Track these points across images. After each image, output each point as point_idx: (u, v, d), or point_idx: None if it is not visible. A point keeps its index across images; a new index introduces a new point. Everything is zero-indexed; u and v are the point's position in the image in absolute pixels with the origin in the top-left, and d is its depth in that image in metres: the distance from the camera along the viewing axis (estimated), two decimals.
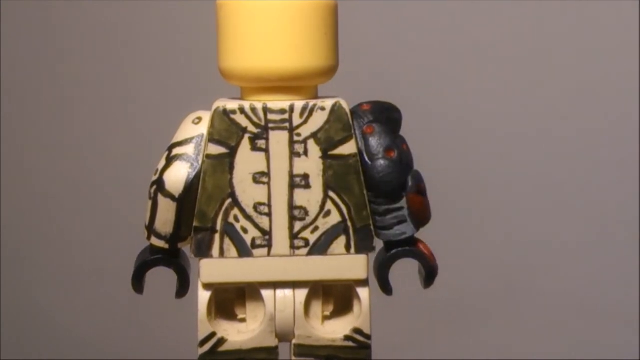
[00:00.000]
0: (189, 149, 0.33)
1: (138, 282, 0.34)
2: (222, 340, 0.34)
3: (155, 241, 0.33)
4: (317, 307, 0.34)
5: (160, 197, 0.33)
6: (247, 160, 0.33)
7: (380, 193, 0.33)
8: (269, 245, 0.33)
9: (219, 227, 0.33)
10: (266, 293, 0.33)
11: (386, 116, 0.33)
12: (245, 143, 0.32)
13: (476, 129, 0.68)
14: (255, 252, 0.33)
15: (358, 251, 0.33)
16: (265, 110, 0.32)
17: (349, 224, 0.33)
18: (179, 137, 0.33)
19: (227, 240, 0.33)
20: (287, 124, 0.32)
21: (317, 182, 0.33)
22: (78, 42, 0.74)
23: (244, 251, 0.33)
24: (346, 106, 0.33)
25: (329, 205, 0.33)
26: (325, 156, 0.33)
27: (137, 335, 0.73)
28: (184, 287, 0.34)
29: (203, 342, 0.33)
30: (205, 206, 0.33)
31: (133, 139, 0.72)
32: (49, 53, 0.75)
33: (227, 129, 0.32)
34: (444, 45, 0.68)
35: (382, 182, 0.33)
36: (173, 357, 0.54)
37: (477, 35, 0.68)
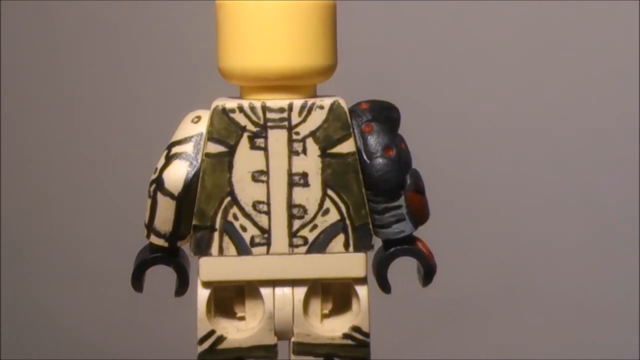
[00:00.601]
0: (188, 148, 0.33)
1: (137, 281, 0.34)
2: (221, 338, 0.34)
3: (154, 239, 0.33)
4: (316, 305, 0.34)
5: (160, 196, 0.33)
6: (246, 159, 0.33)
7: (379, 191, 0.33)
8: (267, 243, 0.33)
9: (218, 225, 0.33)
10: (265, 291, 0.33)
11: (385, 115, 0.34)
12: (244, 142, 0.33)
13: (476, 128, 0.68)
14: (254, 250, 0.33)
15: (356, 249, 0.33)
16: (264, 109, 0.33)
17: (348, 222, 0.33)
18: (178, 136, 0.33)
19: (226, 239, 0.33)
20: (285, 123, 0.33)
21: (315, 180, 0.33)
22: (77, 41, 0.74)
23: (243, 249, 0.33)
24: (345, 105, 0.33)
25: (328, 203, 0.33)
26: (323, 155, 0.33)
27: (137, 335, 0.73)
28: (183, 285, 0.34)
29: (202, 340, 0.34)
30: (205, 205, 0.33)
31: (132, 138, 0.72)
32: (48, 53, 0.75)
33: (226, 128, 0.32)
34: (443, 44, 0.68)
35: (381, 180, 0.33)
36: (173, 357, 0.54)
37: (476, 35, 0.68)
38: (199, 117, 0.33)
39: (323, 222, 0.33)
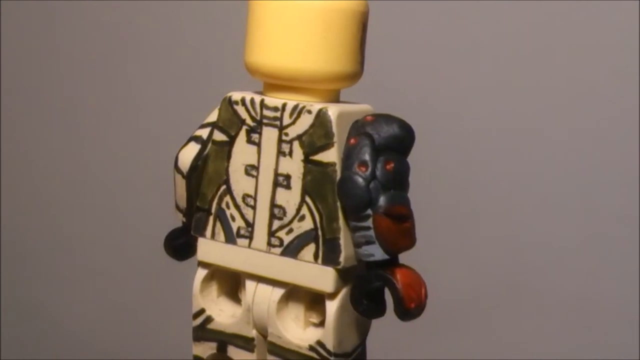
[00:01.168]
0: (204, 132, 0.34)
1: (169, 249, 0.37)
2: (209, 319, 0.35)
3: (177, 214, 0.36)
4: (298, 311, 0.34)
5: (175, 173, 0.35)
6: (242, 151, 0.33)
7: (343, 207, 0.31)
8: (250, 237, 0.33)
9: (213, 210, 0.34)
10: (249, 283, 0.34)
11: (386, 130, 0.32)
12: (243, 134, 0.33)
13: (477, 129, 0.67)
14: (239, 241, 0.34)
15: (325, 262, 0.32)
16: (262, 105, 0.33)
17: (320, 232, 0.32)
18: (207, 119, 0.35)
19: (218, 224, 0.34)
20: (278, 122, 0.33)
21: (296, 184, 0.32)
22: (77, 41, 0.76)
23: (229, 238, 0.34)
24: (332, 114, 0.32)
25: (304, 210, 0.32)
26: (306, 160, 0.32)
27: (137, 335, 0.74)
28: (186, 249, 0.36)
29: (195, 316, 0.35)
30: (206, 188, 0.34)
31: (132, 138, 0.72)
32: (48, 52, 0.77)
33: (229, 119, 0.33)
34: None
35: (341, 194, 0.31)
36: (173, 357, 0.54)
37: (475, 34, 0.66)
38: None
39: (298, 228, 0.32)
